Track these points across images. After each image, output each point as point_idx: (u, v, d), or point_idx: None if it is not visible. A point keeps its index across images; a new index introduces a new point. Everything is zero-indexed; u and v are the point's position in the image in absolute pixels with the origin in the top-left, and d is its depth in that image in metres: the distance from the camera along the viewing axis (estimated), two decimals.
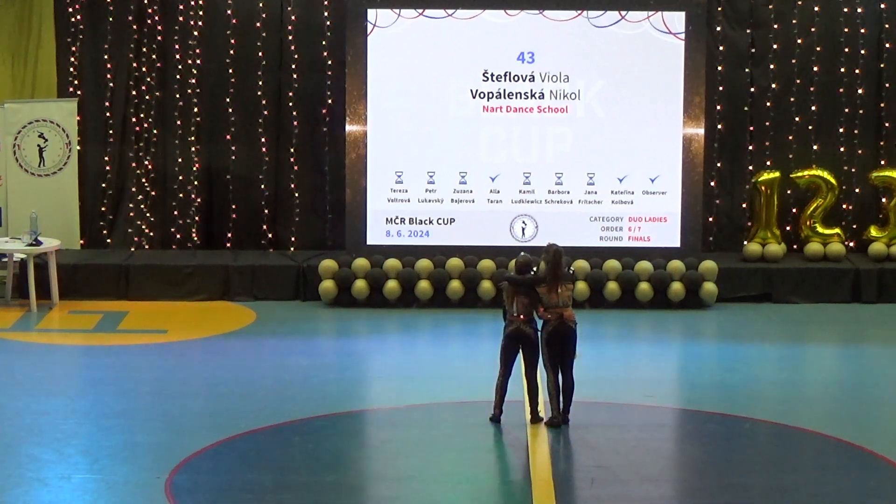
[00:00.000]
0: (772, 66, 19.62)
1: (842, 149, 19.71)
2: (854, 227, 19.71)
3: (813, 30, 19.56)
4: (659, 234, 18.81)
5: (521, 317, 13.00)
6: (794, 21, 19.57)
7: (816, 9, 19.52)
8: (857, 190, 19.77)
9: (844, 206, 19.73)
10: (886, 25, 19.60)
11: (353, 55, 18.73)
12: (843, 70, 19.59)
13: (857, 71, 19.60)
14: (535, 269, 13.25)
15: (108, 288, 18.72)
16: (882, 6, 19.55)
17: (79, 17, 19.63)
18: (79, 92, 19.69)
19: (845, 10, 19.51)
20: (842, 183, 19.55)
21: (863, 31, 19.55)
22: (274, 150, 19.80)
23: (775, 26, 19.58)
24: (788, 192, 19.57)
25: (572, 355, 13.05)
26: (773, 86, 19.65)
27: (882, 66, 19.67)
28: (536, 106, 18.71)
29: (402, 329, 17.79)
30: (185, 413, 13.67)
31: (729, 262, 19.15)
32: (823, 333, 17.76)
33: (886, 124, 19.71)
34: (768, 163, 19.59)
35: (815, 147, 19.67)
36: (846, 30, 19.53)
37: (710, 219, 19.69)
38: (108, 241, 19.84)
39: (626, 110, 18.68)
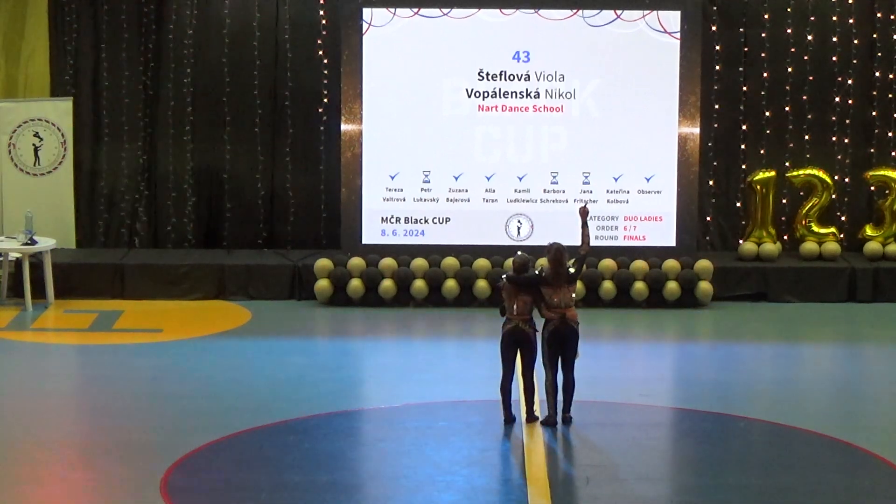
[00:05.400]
0: (766, 65, 19.65)
1: (837, 148, 19.74)
2: (849, 226, 19.74)
3: (807, 28, 19.59)
4: (654, 233, 18.82)
5: (521, 315, 12.95)
6: (788, 20, 19.60)
7: (810, 7, 19.56)
8: (849, 189, 19.80)
9: (839, 206, 19.76)
10: (879, 24, 19.63)
11: (348, 54, 18.72)
12: (836, 69, 19.63)
13: (850, 69, 19.63)
14: (539, 269, 13.21)
15: (104, 287, 18.72)
16: (875, 4, 19.60)
17: (73, 15, 19.63)
18: (73, 91, 19.69)
19: (838, 9, 19.54)
20: (837, 182, 19.58)
21: (855, 30, 19.58)
22: (269, 150, 19.80)
23: (769, 25, 19.60)
24: (784, 191, 19.59)
25: (574, 355, 13.02)
26: (768, 85, 19.67)
27: (875, 64, 19.69)
28: (532, 105, 18.71)
29: (398, 328, 17.80)
30: (180, 412, 13.66)
31: (724, 261, 19.16)
32: (819, 333, 17.77)
33: (878, 122, 19.74)
34: (763, 162, 19.62)
35: (809, 146, 19.70)
36: (839, 28, 19.56)
37: (706, 218, 19.72)
38: (104, 240, 19.85)
39: (622, 109, 18.69)
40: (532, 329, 12.97)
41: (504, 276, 13.19)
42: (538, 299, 12.98)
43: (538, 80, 18.69)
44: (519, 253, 13.32)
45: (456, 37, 18.69)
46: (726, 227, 19.91)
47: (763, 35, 19.64)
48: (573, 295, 13.10)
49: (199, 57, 19.68)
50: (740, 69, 19.70)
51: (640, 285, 18.49)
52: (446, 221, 18.82)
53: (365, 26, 18.68)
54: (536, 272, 13.16)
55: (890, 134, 19.76)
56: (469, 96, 18.71)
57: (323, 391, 14.43)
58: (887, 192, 19.37)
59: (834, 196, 19.52)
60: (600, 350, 16.06)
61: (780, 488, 11.56)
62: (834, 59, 19.63)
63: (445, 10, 18.66)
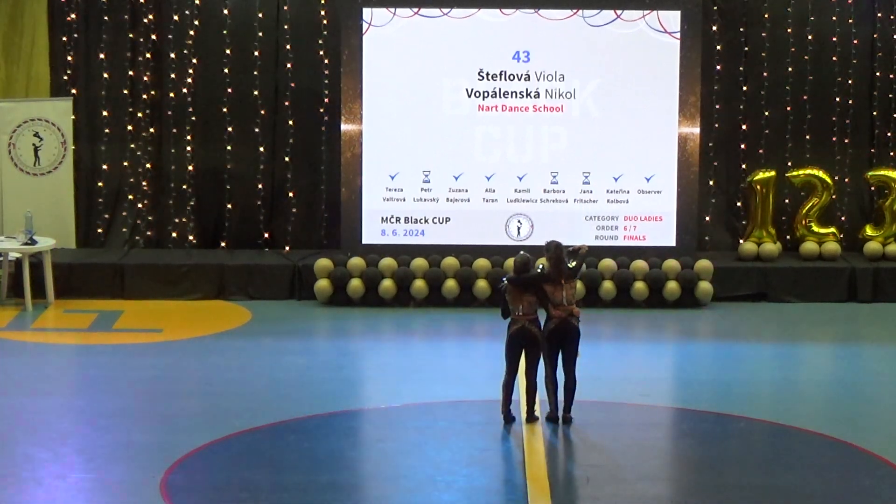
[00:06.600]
0: (766, 65, 19.66)
1: (837, 148, 19.75)
2: (849, 226, 19.74)
3: (807, 28, 19.60)
4: (654, 233, 18.82)
5: (527, 315, 12.92)
6: (788, 20, 19.61)
7: (810, 7, 19.57)
8: (849, 189, 19.82)
9: (839, 206, 19.77)
10: (879, 25, 19.64)
11: (348, 54, 18.73)
12: (836, 69, 19.64)
13: (850, 70, 19.64)
14: (540, 267, 13.20)
15: (104, 287, 18.71)
16: (875, 4, 19.61)
17: (73, 15, 19.62)
18: (74, 91, 19.69)
19: (838, 9, 19.55)
20: (837, 182, 19.58)
21: (855, 30, 19.58)
22: (270, 150, 19.80)
23: (769, 25, 19.61)
24: (784, 191, 19.60)
25: (575, 353, 13.02)
26: (768, 85, 19.68)
27: (875, 64, 19.71)
28: (532, 105, 18.71)
29: (398, 328, 17.79)
30: (180, 412, 13.66)
31: (724, 261, 19.16)
32: (819, 332, 17.77)
33: (878, 122, 19.75)
34: (763, 162, 19.62)
35: (809, 146, 19.70)
36: (839, 29, 19.58)
37: (706, 218, 19.72)
38: (104, 240, 19.84)
39: (622, 109, 18.69)
40: (538, 329, 12.94)
41: (505, 279, 13.14)
42: (543, 298, 12.96)
43: (538, 80, 18.69)
44: (521, 253, 13.27)
45: (456, 37, 18.70)
46: (726, 228, 19.91)
47: (763, 35, 19.65)
48: (574, 292, 13.10)
49: (199, 57, 19.67)
50: (740, 69, 19.71)
51: (640, 285, 18.50)
52: (446, 221, 18.82)
53: (365, 26, 18.68)
54: (538, 270, 13.14)
55: (890, 134, 19.77)
56: (469, 96, 18.71)
57: (323, 391, 14.43)
58: (887, 192, 19.38)
59: (834, 196, 19.53)
60: (600, 350, 16.05)
61: (780, 488, 11.56)
62: (834, 59, 19.64)
63: (445, 10, 18.66)
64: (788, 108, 19.69)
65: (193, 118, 19.73)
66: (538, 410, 13.10)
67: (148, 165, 19.84)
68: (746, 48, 19.68)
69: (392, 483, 11.73)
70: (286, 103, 19.69)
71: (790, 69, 19.64)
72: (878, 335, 17.57)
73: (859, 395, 14.76)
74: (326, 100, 19.51)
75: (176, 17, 19.58)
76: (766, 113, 19.71)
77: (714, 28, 19.52)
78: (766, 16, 19.62)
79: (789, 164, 19.59)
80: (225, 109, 19.67)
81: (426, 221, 18.82)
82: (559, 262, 13.00)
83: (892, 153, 19.76)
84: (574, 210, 18.78)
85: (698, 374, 15.65)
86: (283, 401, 14.01)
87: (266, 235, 19.86)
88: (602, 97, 18.69)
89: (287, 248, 19.68)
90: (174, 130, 19.77)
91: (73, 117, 19.52)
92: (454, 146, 18.77)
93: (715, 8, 19.52)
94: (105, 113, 19.73)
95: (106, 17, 19.61)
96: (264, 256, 19.40)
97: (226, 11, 19.58)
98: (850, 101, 19.71)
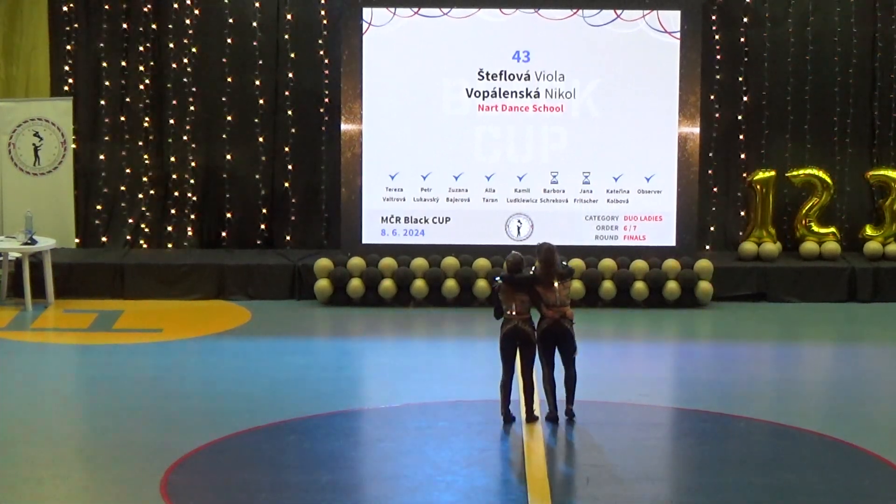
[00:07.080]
0: (766, 65, 19.66)
1: (837, 148, 19.75)
2: (849, 226, 19.74)
3: (808, 28, 19.60)
4: (654, 232, 18.82)
5: (520, 315, 12.93)
6: (788, 20, 19.61)
7: (810, 7, 19.57)
8: (849, 189, 19.81)
9: (839, 206, 19.76)
10: (879, 24, 19.64)
11: (348, 54, 18.72)
12: (837, 69, 19.64)
13: (850, 70, 19.64)
14: (533, 268, 13.19)
15: (104, 287, 18.71)
16: (876, 4, 19.61)
17: (72, 15, 19.63)
18: (73, 91, 19.68)
19: (838, 8, 19.56)
20: (837, 182, 19.58)
21: (856, 30, 19.58)
22: (270, 149, 19.80)
23: (769, 25, 19.61)
24: (784, 191, 19.59)
25: (573, 351, 13.03)
26: (768, 85, 19.68)
27: (876, 64, 19.71)
28: (532, 105, 18.71)
29: (398, 328, 17.79)
30: (180, 412, 13.65)
31: (724, 261, 19.17)
32: (819, 332, 17.77)
33: (879, 122, 19.75)
34: (763, 162, 19.62)
35: (809, 146, 19.71)
36: (840, 28, 19.57)
37: (706, 218, 19.71)
38: (104, 239, 19.84)
39: (622, 109, 18.69)
40: (531, 328, 12.96)
41: (499, 278, 13.16)
42: (536, 298, 12.98)
43: (538, 79, 18.69)
44: (513, 252, 13.31)
45: (456, 36, 18.70)
46: (726, 227, 19.91)
47: (763, 35, 19.65)
48: (568, 293, 13.10)
49: (199, 57, 19.67)
50: (740, 69, 19.71)
51: (640, 285, 18.49)
52: (446, 221, 18.82)
53: (365, 26, 18.68)
54: (531, 272, 13.14)
55: (890, 134, 19.77)
56: (469, 96, 18.71)
57: (323, 391, 14.42)
58: (887, 192, 19.38)
59: (834, 196, 19.53)
60: (600, 350, 16.05)
61: (780, 488, 11.56)
62: (834, 58, 19.64)
63: (445, 10, 18.66)
64: (788, 108, 19.69)
65: (193, 118, 19.74)
66: (538, 410, 13.11)
67: (148, 165, 19.83)
68: (746, 48, 19.68)
69: (392, 483, 11.73)
70: (286, 103, 19.69)
71: (790, 69, 19.64)
72: (878, 335, 17.57)
73: (859, 395, 14.75)
74: (326, 100, 19.51)
75: (176, 17, 19.58)
76: (767, 113, 19.71)
77: (714, 28, 19.52)
78: (766, 16, 19.63)
79: (789, 164, 19.59)
80: (225, 109, 19.68)
81: (426, 221, 18.82)
82: (550, 265, 13.02)
83: (892, 153, 19.76)
84: (574, 210, 18.78)
85: (698, 374, 15.65)
86: (283, 401, 14.01)
87: (266, 235, 19.86)
88: (602, 97, 18.69)
89: (287, 247, 19.67)
90: (174, 130, 19.77)
91: (72, 117, 19.50)
92: (454, 146, 18.76)
93: (715, 8, 19.52)
94: (105, 113, 19.73)
95: (106, 17, 19.61)
96: (264, 256, 19.40)
97: (226, 12, 19.58)
98: (850, 101, 19.71)
